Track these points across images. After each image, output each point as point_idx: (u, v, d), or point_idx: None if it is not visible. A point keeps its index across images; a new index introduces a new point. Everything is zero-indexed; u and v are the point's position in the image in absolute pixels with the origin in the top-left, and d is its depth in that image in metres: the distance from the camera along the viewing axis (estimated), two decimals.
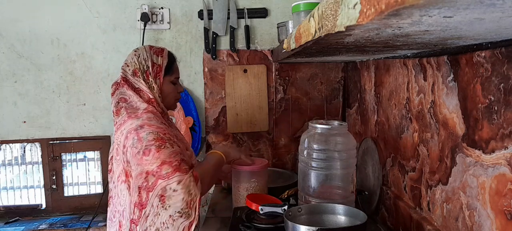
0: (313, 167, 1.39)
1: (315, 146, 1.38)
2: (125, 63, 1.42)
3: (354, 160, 1.43)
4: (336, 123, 1.42)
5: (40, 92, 2.03)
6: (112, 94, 1.40)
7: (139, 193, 1.25)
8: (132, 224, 1.28)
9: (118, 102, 1.36)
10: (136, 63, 1.40)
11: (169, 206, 1.23)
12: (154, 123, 1.29)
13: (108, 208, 1.44)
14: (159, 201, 1.23)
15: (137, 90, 1.38)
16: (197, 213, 1.26)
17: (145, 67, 1.40)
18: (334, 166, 1.38)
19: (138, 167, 1.25)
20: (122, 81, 1.39)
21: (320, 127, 1.38)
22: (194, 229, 1.28)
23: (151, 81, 1.40)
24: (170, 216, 1.24)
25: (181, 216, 1.24)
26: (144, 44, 1.97)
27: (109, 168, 1.43)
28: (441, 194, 1.11)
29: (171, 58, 1.47)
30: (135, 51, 1.43)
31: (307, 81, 2.12)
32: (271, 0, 2.07)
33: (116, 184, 1.36)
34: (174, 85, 1.47)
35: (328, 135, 1.38)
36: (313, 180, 1.40)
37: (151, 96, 1.38)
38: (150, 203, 1.24)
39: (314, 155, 1.38)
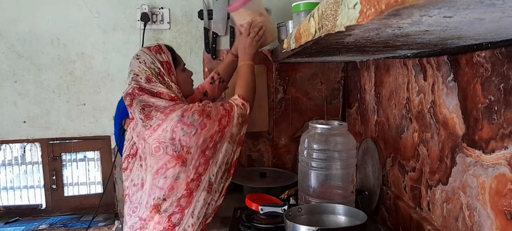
0: (313, 167, 1.40)
1: (315, 146, 1.39)
2: (134, 73, 1.41)
3: (354, 160, 1.43)
4: (336, 123, 1.43)
5: (40, 92, 2.03)
6: (130, 105, 1.40)
7: (198, 166, 1.37)
8: (183, 199, 1.37)
9: (144, 109, 1.37)
10: (146, 70, 1.40)
11: (234, 124, 1.41)
12: (188, 106, 1.36)
13: (124, 206, 1.48)
14: (228, 142, 1.40)
15: (157, 94, 1.39)
16: (246, 124, 1.47)
17: (156, 69, 1.42)
18: (334, 166, 1.39)
19: (200, 142, 1.35)
20: (137, 91, 1.38)
21: (320, 127, 1.39)
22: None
23: (167, 80, 1.43)
24: (231, 137, 1.41)
25: (238, 123, 1.43)
26: (144, 44, 1.97)
27: (125, 166, 1.47)
28: (441, 194, 1.11)
29: (172, 50, 1.52)
30: (137, 58, 1.43)
31: (307, 81, 2.12)
32: (271, 0, 2.07)
33: (152, 178, 1.38)
34: (185, 72, 1.54)
35: (328, 135, 1.39)
36: (313, 180, 1.41)
37: (172, 95, 1.40)
38: (213, 162, 1.40)
39: (314, 155, 1.39)
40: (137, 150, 1.43)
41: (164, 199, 1.37)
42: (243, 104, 1.47)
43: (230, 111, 1.42)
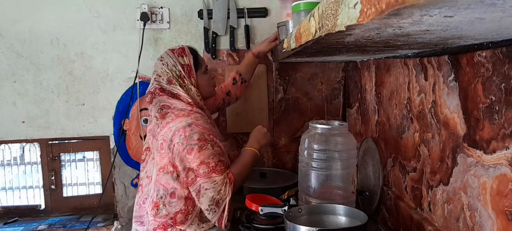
0: (314, 167, 1.39)
1: (315, 146, 1.38)
2: (157, 74, 1.50)
3: (354, 160, 1.43)
4: (336, 123, 1.42)
5: (40, 92, 2.03)
6: (150, 102, 1.49)
7: (181, 184, 1.43)
8: (173, 220, 1.46)
9: (162, 109, 1.45)
10: (167, 72, 1.48)
11: (201, 203, 1.40)
12: (201, 123, 1.40)
13: (137, 195, 1.59)
14: (196, 195, 1.40)
15: (176, 96, 1.47)
16: (224, 212, 1.41)
17: (177, 72, 1.49)
18: (334, 166, 1.38)
19: (181, 163, 1.40)
20: (158, 91, 1.47)
21: (320, 127, 1.38)
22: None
23: (187, 83, 1.49)
24: (200, 210, 1.44)
25: (209, 213, 1.40)
26: (144, 44, 1.97)
27: (143, 158, 1.58)
28: (442, 195, 1.11)
29: (194, 53, 1.56)
30: (161, 60, 1.52)
31: (307, 81, 2.11)
32: (271, 0, 2.06)
33: (156, 174, 1.46)
34: (207, 74, 1.57)
35: (329, 135, 1.38)
36: (314, 180, 1.40)
37: (189, 100, 1.47)
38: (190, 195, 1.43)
39: (315, 155, 1.38)
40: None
41: (164, 204, 1.45)
42: (230, 180, 1.42)
43: (213, 170, 1.39)
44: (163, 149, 1.43)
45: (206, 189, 1.38)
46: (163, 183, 1.45)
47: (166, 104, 1.45)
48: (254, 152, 1.54)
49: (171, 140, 1.40)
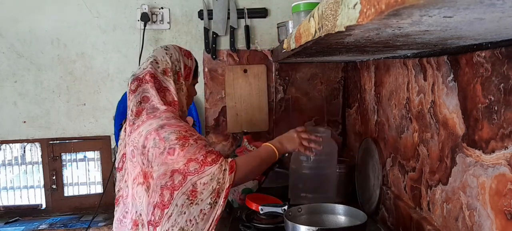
0: (301, 167, 1.58)
1: None
2: (154, 60, 1.38)
3: (335, 161, 1.64)
4: (321, 129, 1.62)
5: (40, 92, 2.03)
6: (134, 91, 1.34)
7: (161, 193, 1.23)
8: (150, 226, 1.25)
9: (140, 103, 1.33)
10: (168, 62, 1.37)
11: (201, 200, 1.23)
12: (173, 122, 1.27)
13: (116, 208, 1.41)
14: (187, 198, 1.22)
15: (163, 89, 1.35)
16: (222, 201, 1.24)
17: (177, 68, 1.39)
18: (318, 166, 1.56)
19: (161, 167, 1.23)
20: (148, 77, 1.34)
21: None
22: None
23: (182, 82, 1.40)
24: (201, 210, 1.23)
25: (211, 208, 1.23)
26: (144, 44, 1.97)
27: (120, 166, 1.41)
28: (441, 194, 1.11)
29: (196, 63, 1.50)
30: (166, 50, 1.41)
31: (307, 81, 2.12)
32: (271, 0, 2.07)
33: (132, 186, 1.33)
34: (194, 89, 1.50)
35: None
36: (301, 178, 1.59)
37: (175, 99, 1.36)
38: (173, 202, 1.22)
39: (302, 157, 1.57)
40: None
41: (142, 223, 1.28)
42: (231, 167, 1.25)
43: (204, 163, 1.23)
44: (134, 157, 1.29)
45: (204, 184, 1.22)
46: (137, 197, 1.30)
47: (146, 96, 1.33)
48: (270, 148, 1.38)
49: (143, 145, 1.26)
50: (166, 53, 1.39)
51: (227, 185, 1.24)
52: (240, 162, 1.29)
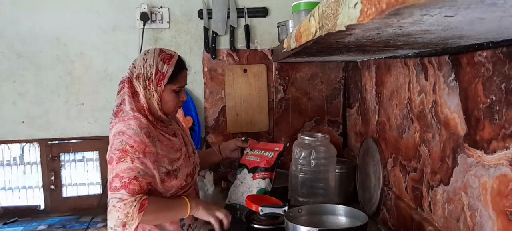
0: (301, 170, 1.58)
1: (302, 154, 1.58)
2: (133, 64, 1.43)
3: (334, 165, 1.64)
4: (320, 135, 1.64)
5: (40, 92, 2.03)
6: (118, 93, 1.42)
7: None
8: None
9: (120, 104, 1.39)
10: (141, 68, 1.39)
11: (109, 219, 1.31)
12: (132, 133, 1.29)
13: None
14: (108, 208, 1.30)
15: (136, 94, 1.39)
16: None
17: (148, 74, 1.38)
18: (317, 170, 1.57)
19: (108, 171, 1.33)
20: (126, 81, 1.40)
21: (306, 138, 1.60)
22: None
23: (152, 89, 1.38)
24: (110, 228, 1.36)
25: None
26: (144, 44, 1.97)
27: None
28: (442, 195, 1.11)
29: (179, 67, 1.43)
30: (145, 54, 1.42)
31: (307, 81, 2.11)
32: (272, 0, 2.06)
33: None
34: (177, 94, 1.43)
35: (313, 145, 1.58)
36: (301, 182, 1.59)
37: (144, 105, 1.38)
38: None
39: (302, 161, 1.58)
40: None
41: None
42: (141, 206, 1.26)
43: (125, 186, 1.26)
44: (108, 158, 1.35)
45: (114, 206, 1.26)
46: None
47: (124, 99, 1.38)
48: (185, 204, 1.38)
49: (110, 146, 1.34)
50: (143, 58, 1.41)
51: (135, 224, 1.27)
52: (152, 207, 1.29)
